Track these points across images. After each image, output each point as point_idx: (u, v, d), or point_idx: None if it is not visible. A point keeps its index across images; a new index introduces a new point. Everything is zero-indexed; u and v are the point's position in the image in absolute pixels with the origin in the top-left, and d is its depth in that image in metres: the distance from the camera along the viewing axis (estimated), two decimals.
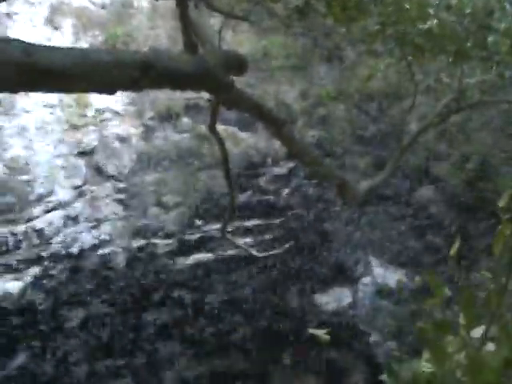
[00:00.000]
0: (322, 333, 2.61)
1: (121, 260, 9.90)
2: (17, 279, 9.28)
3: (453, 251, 2.46)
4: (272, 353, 10.92)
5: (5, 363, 9.47)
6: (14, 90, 2.10)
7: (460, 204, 10.38)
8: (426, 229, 10.61)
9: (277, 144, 10.45)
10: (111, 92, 2.46)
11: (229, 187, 5.98)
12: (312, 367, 10.95)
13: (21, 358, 9.56)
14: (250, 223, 10.47)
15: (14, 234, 9.21)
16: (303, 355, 10.75)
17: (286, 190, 10.79)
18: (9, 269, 9.20)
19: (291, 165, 10.79)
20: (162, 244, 10.16)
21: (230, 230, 7.15)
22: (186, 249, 10.27)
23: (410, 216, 10.77)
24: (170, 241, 10.21)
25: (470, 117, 10.03)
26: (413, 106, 6.85)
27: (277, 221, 10.63)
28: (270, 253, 8.48)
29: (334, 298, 10.65)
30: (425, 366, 1.96)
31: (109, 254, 9.83)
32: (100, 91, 2.43)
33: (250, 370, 10.89)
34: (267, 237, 10.44)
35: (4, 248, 9.16)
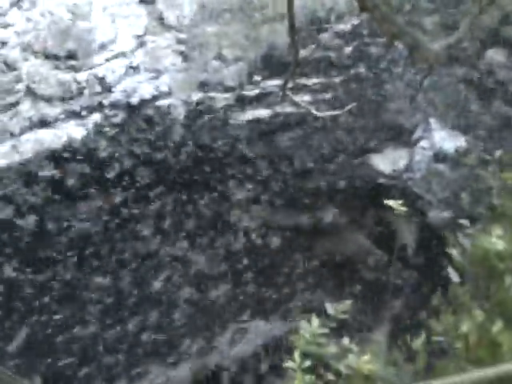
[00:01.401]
0: (397, 204, 2.61)
1: (179, 112, 9.99)
2: (80, 125, 9.52)
3: None
4: (322, 211, 11.10)
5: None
6: None
7: None
8: (491, 94, 10.25)
9: None
10: None
11: (292, 42, 5.80)
12: (363, 227, 11.17)
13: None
14: (310, 81, 10.29)
15: (76, 81, 9.33)
16: None
17: (349, 48, 10.46)
18: (72, 115, 9.42)
19: (356, 22, 10.39)
20: (220, 98, 10.15)
21: (289, 86, 7.04)
22: (244, 104, 10.25)
23: (476, 80, 10.38)
24: (228, 95, 10.18)
25: None
26: None
27: (337, 79, 10.41)
28: (330, 113, 8.38)
29: (390, 160, 10.62)
30: (495, 242, 1.93)
31: (168, 105, 9.91)
32: None
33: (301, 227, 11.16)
34: (327, 96, 10.29)
35: (67, 94, 9.33)
